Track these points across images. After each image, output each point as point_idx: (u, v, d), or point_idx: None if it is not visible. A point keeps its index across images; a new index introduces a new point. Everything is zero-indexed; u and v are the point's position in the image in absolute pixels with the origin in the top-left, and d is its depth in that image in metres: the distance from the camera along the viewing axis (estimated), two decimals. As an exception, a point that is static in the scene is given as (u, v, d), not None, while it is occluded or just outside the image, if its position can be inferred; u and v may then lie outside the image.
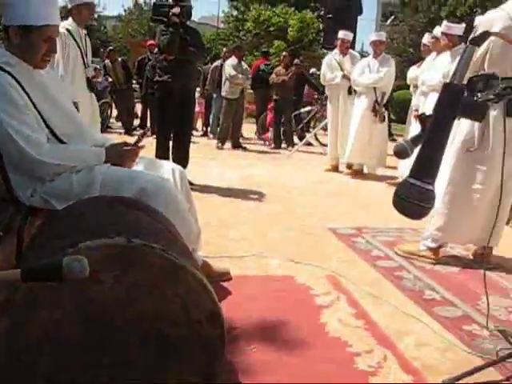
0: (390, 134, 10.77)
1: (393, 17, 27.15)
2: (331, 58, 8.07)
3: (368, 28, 35.33)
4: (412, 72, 7.69)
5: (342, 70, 7.77)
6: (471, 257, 3.91)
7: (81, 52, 4.97)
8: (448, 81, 0.97)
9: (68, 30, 4.84)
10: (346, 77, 7.67)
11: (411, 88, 7.69)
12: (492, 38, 3.27)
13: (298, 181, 6.93)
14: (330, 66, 7.96)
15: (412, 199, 1.04)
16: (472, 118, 0.97)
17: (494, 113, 3.38)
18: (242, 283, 3.09)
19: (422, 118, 1.57)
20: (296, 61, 11.89)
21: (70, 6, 5.06)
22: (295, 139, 11.20)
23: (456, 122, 1.27)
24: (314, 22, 24.14)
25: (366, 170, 7.75)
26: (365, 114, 7.36)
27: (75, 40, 4.90)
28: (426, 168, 1.02)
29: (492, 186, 3.56)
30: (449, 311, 2.88)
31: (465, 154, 3.57)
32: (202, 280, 1.68)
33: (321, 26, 21.68)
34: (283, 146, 10.84)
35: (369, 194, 6.34)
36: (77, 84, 4.90)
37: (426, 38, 7.21)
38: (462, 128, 3.60)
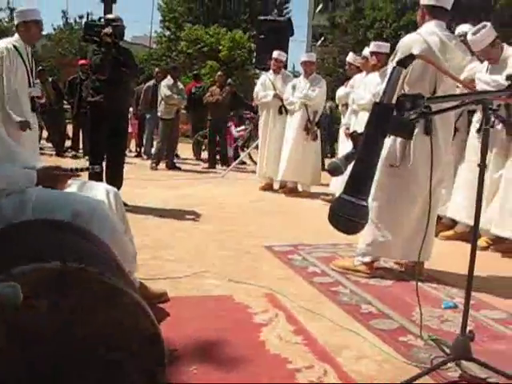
0: (325, 152, 11.01)
1: (323, 38, 27.87)
2: (265, 77, 8.21)
3: (299, 49, 36.17)
4: (340, 91, 7.89)
5: (274, 89, 7.90)
6: (404, 269, 4.03)
7: (27, 70, 4.84)
8: (378, 100, 1.02)
9: (15, 46, 4.71)
10: (277, 96, 7.82)
11: (340, 107, 7.85)
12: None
13: (234, 200, 6.95)
14: (264, 86, 8.10)
15: (347, 215, 1.08)
16: (401, 135, 1.02)
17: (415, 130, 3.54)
18: (179, 304, 3.06)
19: (353, 136, 1.62)
20: (229, 80, 12.00)
21: (16, 22, 4.93)
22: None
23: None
24: (244, 42, 24.42)
25: (300, 188, 7.87)
26: (298, 132, 7.50)
27: (22, 58, 4.77)
28: (360, 185, 1.05)
29: (416, 201, 3.71)
30: (385, 324, 2.95)
31: (388, 169, 3.70)
32: (141, 303, 1.65)
33: (253, 46, 21.97)
34: (218, 165, 10.86)
35: (304, 212, 6.43)
36: (23, 103, 4.77)
37: (351, 57, 7.44)
38: (385, 144, 3.75)
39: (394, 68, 1.06)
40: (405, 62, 1.07)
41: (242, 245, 4.55)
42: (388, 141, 3.74)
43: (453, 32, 4.56)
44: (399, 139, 3.63)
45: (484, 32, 4.70)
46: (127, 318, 1.61)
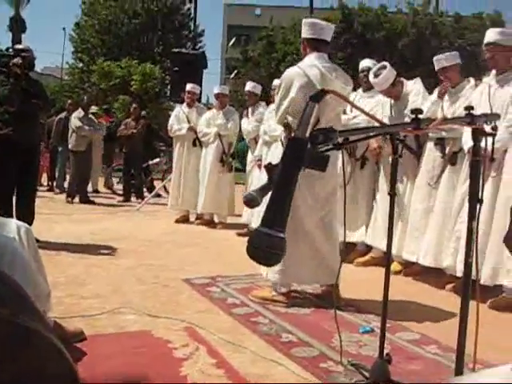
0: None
1: (236, 71, 28.32)
2: (179, 110, 8.24)
3: (213, 81, 36.53)
4: (247, 126, 7.61)
5: (188, 122, 7.93)
6: (321, 296, 4.11)
7: None
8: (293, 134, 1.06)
9: None
10: (191, 129, 7.86)
11: (247, 140, 7.73)
12: (293, 95, 3.82)
13: (150, 233, 6.86)
14: (178, 118, 8.12)
15: (265, 247, 1.10)
16: (316, 168, 1.06)
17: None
18: (97, 343, 2.97)
19: (268, 168, 1.66)
20: (143, 113, 11.93)
21: None
22: (145, 191, 11.13)
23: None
24: (154, 73, 24.33)
25: (216, 219, 7.88)
26: (213, 164, 7.55)
27: None
28: (276, 217, 1.08)
29: (311, 231, 3.85)
30: (305, 351, 2.99)
31: None
32: (56, 345, 1.59)
33: (168, 79, 21.98)
34: (133, 198, 10.70)
35: (220, 243, 6.44)
36: None
37: (250, 86, 7.51)
38: None
39: (307, 103, 1.11)
40: (317, 97, 1.12)
41: (160, 278, 4.49)
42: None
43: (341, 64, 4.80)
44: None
45: (384, 74, 5.01)
46: (42, 362, 1.55)
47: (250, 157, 7.41)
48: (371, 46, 21.29)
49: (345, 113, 5.46)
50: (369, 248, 5.52)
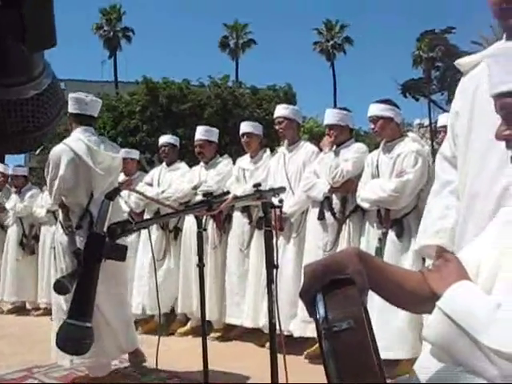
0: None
1: (42, 146, 27.39)
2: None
3: (15, 159, 34.66)
4: None
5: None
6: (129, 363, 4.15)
7: None
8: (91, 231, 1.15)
9: None
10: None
11: None
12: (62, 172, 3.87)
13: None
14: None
15: (73, 338, 1.14)
16: (116, 258, 1.15)
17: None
18: None
19: (77, 253, 1.71)
20: None
21: None
22: None
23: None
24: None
25: (29, 306, 7.39)
26: (13, 248, 7.16)
27: None
28: (82, 307, 1.14)
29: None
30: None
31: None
32: None
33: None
34: None
35: (33, 330, 6.04)
36: None
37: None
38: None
39: (103, 201, 1.20)
40: (112, 195, 1.22)
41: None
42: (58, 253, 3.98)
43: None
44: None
45: None
46: None
47: None
48: (176, 118, 22.03)
49: (151, 185, 5.64)
50: (187, 317, 5.59)
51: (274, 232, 2.05)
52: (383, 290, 1.19)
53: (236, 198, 2.08)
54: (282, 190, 2.18)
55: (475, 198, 1.98)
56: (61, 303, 3.82)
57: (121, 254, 1.14)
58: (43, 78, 0.70)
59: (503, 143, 1.30)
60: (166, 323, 5.53)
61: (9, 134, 0.68)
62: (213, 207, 1.61)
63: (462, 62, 2.13)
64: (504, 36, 1.98)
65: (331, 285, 1.09)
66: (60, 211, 4.11)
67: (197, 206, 1.76)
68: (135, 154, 6.48)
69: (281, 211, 2.02)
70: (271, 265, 2.04)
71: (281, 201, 2.05)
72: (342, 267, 1.11)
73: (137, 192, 5.13)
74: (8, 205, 7.28)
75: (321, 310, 1.05)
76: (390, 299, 1.22)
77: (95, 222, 1.02)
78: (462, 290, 1.08)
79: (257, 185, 2.02)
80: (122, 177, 5.92)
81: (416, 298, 1.20)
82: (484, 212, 1.87)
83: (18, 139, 0.70)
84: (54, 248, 4.14)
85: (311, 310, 1.09)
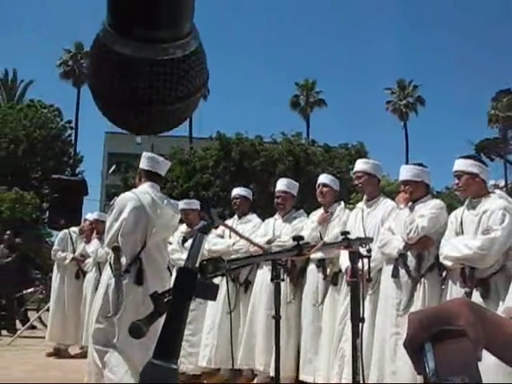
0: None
1: (115, 165, 28.48)
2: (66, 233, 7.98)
3: (93, 207, 35.94)
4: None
5: (74, 251, 7.72)
6: None
7: None
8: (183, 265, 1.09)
9: None
10: (76, 259, 7.65)
11: None
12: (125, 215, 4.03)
13: (20, 371, 6.23)
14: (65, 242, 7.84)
15: (158, 380, 1.07)
16: (206, 297, 1.08)
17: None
18: None
19: (154, 297, 1.65)
20: (18, 240, 11.43)
21: None
22: (17, 323, 10.34)
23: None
24: (24, 199, 23.41)
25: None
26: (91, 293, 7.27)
27: None
28: (168, 348, 1.07)
29: None
30: None
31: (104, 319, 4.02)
32: None
33: (45, 205, 21.36)
34: (4, 332, 9.87)
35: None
36: None
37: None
38: (99, 296, 4.25)
39: (197, 235, 1.15)
40: (206, 229, 1.16)
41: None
42: (100, 293, 4.21)
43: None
44: (111, 292, 4.01)
45: None
46: None
47: None
48: (248, 174, 22.29)
49: (222, 237, 5.62)
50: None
51: (360, 283, 1.94)
52: (497, 346, 1.05)
53: (325, 244, 1.99)
54: (369, 240, 2.08)
55: None
56: (95, 357, 3.96)
57: (212, 292, 1.07)
58: (191, 38, 0.61)
59: None
60: (232, 377, 5.43)
61: (144, 102, 0.58)
62: (303, 251, 1.53)
63: None
64: None
65: (440, 336, 0.98)
66: (112, 253, 4.22)
67: (288, 250, 1.68)
68: (195, 204, 6.48)
69: (369, 261, 1.91)
70: (357, 318, 1.92)
71: (369, 251, 1.95)
72: (452, 317, 1.00)
73: (231, 229, 5.21)
74: (89, 249, 7.42)
75: (430, 363, 0.94)
76: (504, 357, 1.08)
77: (186, 256, 0.98)
78: None
79: (345, 233, 1.93)
80: (184, 228, 5.99)
81: None
82: None
83: (157, 111, 0.59)
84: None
85: (416, 361, 0.98)
